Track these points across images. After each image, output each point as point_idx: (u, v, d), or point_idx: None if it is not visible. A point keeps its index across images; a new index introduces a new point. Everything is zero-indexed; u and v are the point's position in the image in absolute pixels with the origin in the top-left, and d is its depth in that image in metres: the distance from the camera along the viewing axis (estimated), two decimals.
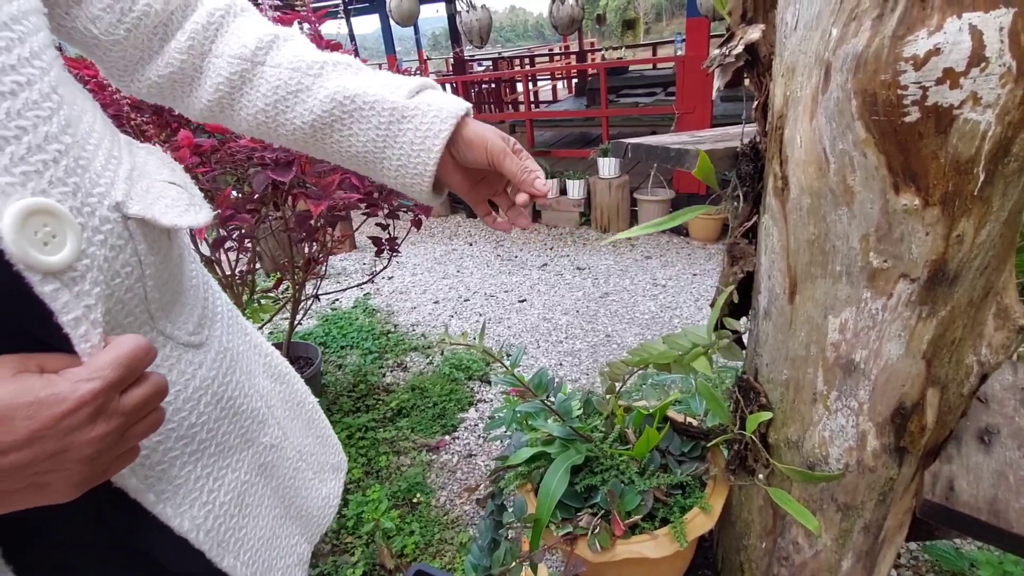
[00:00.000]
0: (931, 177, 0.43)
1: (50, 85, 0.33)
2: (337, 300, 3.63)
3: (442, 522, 1.86)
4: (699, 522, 0.70)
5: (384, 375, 2.72)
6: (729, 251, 0.65)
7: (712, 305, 0.72)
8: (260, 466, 0.52)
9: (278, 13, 1.66)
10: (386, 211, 1.99)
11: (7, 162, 0.30)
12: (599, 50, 9.54)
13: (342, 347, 2.97)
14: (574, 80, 8.76)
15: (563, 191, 4.76)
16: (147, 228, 0.39)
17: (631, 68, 7.20)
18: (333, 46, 1.86)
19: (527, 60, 8.57)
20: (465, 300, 3.51)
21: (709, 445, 0.73)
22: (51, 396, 0.28)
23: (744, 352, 0.71)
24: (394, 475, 2.03)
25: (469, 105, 0.48)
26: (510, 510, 0.79)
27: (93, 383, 0.30)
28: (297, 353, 2.37)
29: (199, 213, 0.44)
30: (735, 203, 0.64)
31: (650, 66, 8.16)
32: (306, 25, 1.86)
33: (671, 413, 0.86)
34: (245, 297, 1.83)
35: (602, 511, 0.74)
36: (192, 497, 0.44)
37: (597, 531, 0.70)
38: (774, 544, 0.70)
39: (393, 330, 3.18)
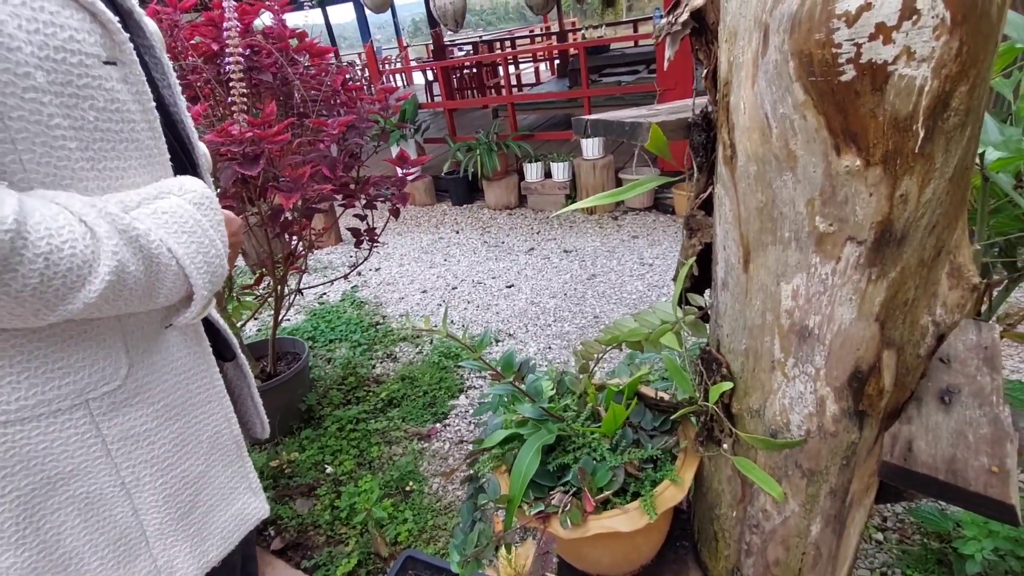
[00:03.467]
0: (871, 136, 0.43)
1: None
2: (324, 294, 3.62)
3: (435, 509, 1.87)
4: (669, 494, 0.71)
5: (374, 366, 2.72)
6: (687, 223, 0.65)
7: (675, 279, 0.72)
8: None
9: (239, 2, 1.62)
10: (363, 201, 1.98)
11: None
12: (579, 29, 9.43)
13: (331, 341, 2.96)
14: (556, 61, 8.67)
15: (548, 174, 4.73)
16: None
17: (612, 46, 7.12)
18: (299, 35, 1.82)
19: (508, 43, 8.47)
20: (453, 288, 3.50)
21: (674, 418, 0.73)
22: (236, 220, 0.72)
23: (707, 326, 0.71)
24: (386, 465, 2.04)
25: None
26: (487, 492, 0.79)
27: (238, 221, 0.73)
28: (284, 349, 2.36)
29: None
30: (690, 174, 0.63)
31: (632, 44, 8.08)
32: (270, 15, 1.83)
33: (643, 388, 0.86)
34: (225, 293, 1.81)
35: (574, 488, 0.74)
36: None
37: (568, 508, 0.70)
38: (744, 513, 0.71)
39: (382, 321, 3.17)
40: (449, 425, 2.27)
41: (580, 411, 0.83)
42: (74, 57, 0.52)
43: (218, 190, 1.61)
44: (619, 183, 4.58)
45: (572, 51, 7.12)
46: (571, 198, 4.76)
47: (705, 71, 0.58)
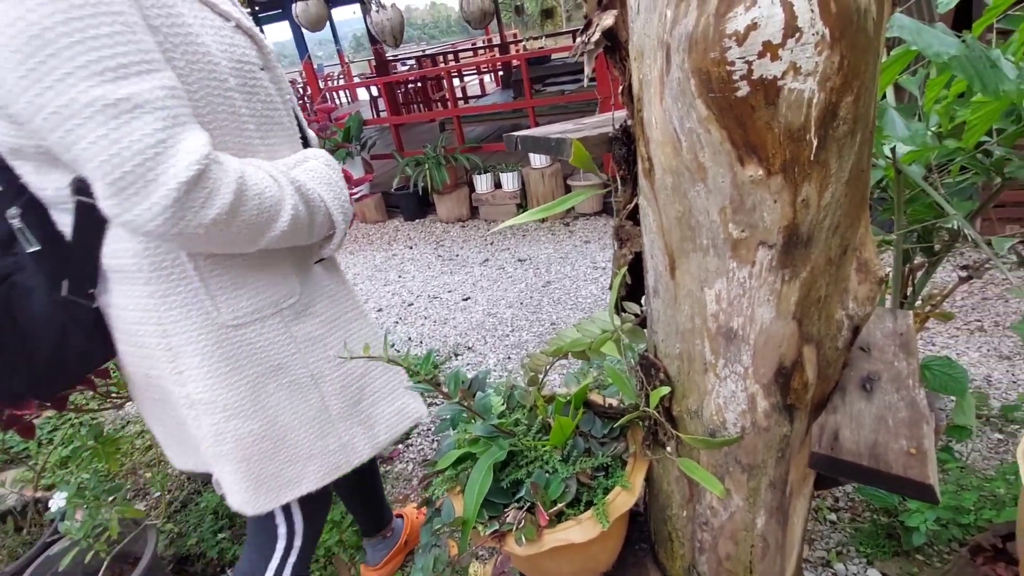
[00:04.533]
0: (769, 147, 0.45)
1: None
2: None
3: None
4: (621, 500, 0.72)
5: None
6: (616, 234, 0.67)
7: (611, 288, 0.73)
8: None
9: None
10: None
11: None
12: (521, 41, 9.56)
13: None
14: (501, 73, 8.75)
15: (498, 184, 4.75)
16: None
17: (554, 57, 7.25)
18: None
19: (451, 56, 8.50)
20: (409, 305, 3.47)
21: (618, 424, 0.74)
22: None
23: (645, 331, 0.73)
24: None
25: None
26: (441, 516, 0.78)
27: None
28: None
29: None
30: (616, 186, 0.65)
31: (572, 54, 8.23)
32: None
33: (593, 396, 0.87)
34: None
35: (528, 503, 0.74)
36: None
37: (523, 525, 0.70)
38: (694, 511, 0.73)
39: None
40: (412, 445, 2.23)
41: (531, 424, 0.83)
42: (247, 66, 0.78)
43: None
44: (568, 189, 4.65)
45: (515, 63, 7.21)
46: (522, 207, 4.80)
47: (621, 87, 0.60)
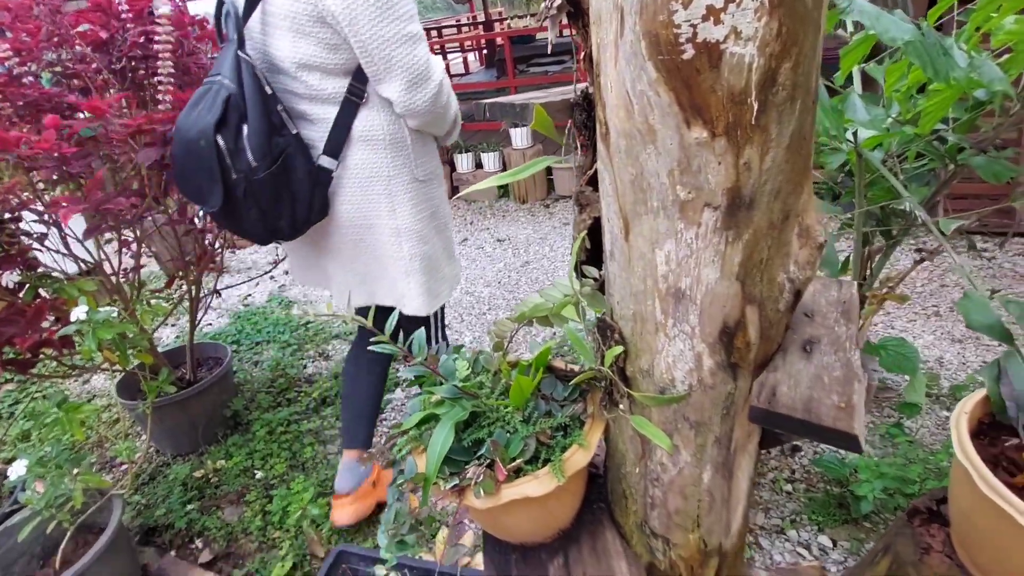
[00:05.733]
0: (713, 110, 0.47)
1: None
2: (249, 295, 3.48)
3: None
4: (577, 458, 0.75)
5: (305, 366, 2.66)
6: (577, 200, 0.69)
7: (572, 254, 0.76)
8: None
9: None
10: None
11: None
12: (506, 19, 9.44)
13: (256, 343, 2.87)
14: (485, 52, 8.64)
15: (479, 164, 4.74)
16: None
17: (539, 36, 7.18)
18: (200, 23, 1.74)
19: (435, 32, 8.36)
20: None
21: (572, 383, 0.77)
22: None
23: (604, 296, 0.75)
24: (320, 464, 2.01)
25: None
26: (404, 473, 0.80)
27: None
28: (205, 354, 2.26)
29: None
30: (575, 151, 0.67)
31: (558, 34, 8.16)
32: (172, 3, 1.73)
33: (555, 362, 0.90)
34: (133, 297, 1.71)
35: (488, 461, 0.77)
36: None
37: (481, 479, 0.73)
38: (646, 468, 0.76)
39: (312, 320, 3.09)
40: (385, 419, 2.25)
41: (495, 388, 0.85)
42: None
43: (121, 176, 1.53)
44: (549, 171, 4.66)
45: (499, 41, 7.13)
46: (503, 187, 4.79)
47: (582, 53, 0.62)
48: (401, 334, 1.34)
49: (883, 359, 1.80)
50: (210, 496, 1.87)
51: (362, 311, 1.51)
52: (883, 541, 1.13)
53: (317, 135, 1.28)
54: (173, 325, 3.18)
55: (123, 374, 2.03)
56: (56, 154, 1.27)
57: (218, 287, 2.11)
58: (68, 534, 1.48)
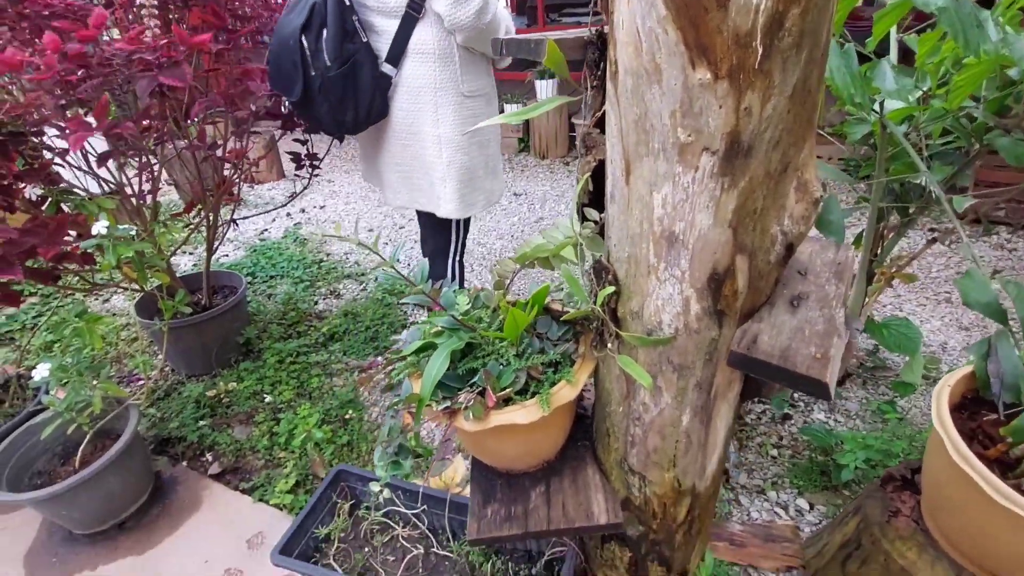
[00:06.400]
0: (718, 51, 0.48)
1: None
2: (266, 230, 3.53)
3: (373, 435, 1.94)
4: (564, 392, 0.79)
5: (316, 303, 2.72)
6: (583, 141, 0.70)
7: (575, 195, 0.77)
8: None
9: None
10: (303, 127, 1.92)
11: None
12: None
13: (271, 277, 2.93)
14: None
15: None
16: None
17: None
18: None
19: None
20: (400, 228, 3.49)
21: (564, 319, 0.80)
22: None
23: (604, 240, 0.77)
24: (326, 395, 2.09)
25: None
26: (400, 394, 0.85)
27: None
28: (220, 282, 2.33)
29: None
30: (585, 92, 0.67)
31: None
32: None
33: (552, 304, 0.93)
34: (150, 222, 1.76)
35: (480, 389, 0.81)
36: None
37: (472, 404, 0.77)
38: (629, 408, 0.80)
39: (326, 259, 3.15)
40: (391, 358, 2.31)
41: (492, 323, 0.89)
42: None
43: (139, 103, 1.54)
44: (571, 127, 4.58)
45: None
46: (523, 141, 4.73)
47: None
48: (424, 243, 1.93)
49: (885, 338, 1.80)
50: (221, 415, 1.97)
51: (418, 213, 1.88)
52: (854, 503, 1.17)
53: (382, 45, 1.50)
54: (191, 254, 3.26)
55: (142, 294, 2.11)
56: (58, 79, 1.28)
57: (235, 218, 2.15)
58: (87, 437, 1.58)
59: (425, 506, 1.26)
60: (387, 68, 1.50)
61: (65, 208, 1.50)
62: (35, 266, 1.46)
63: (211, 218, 1.96)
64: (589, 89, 0.67)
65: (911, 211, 1.55)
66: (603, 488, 0.90)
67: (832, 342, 0.62)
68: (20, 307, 2.61)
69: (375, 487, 1.05)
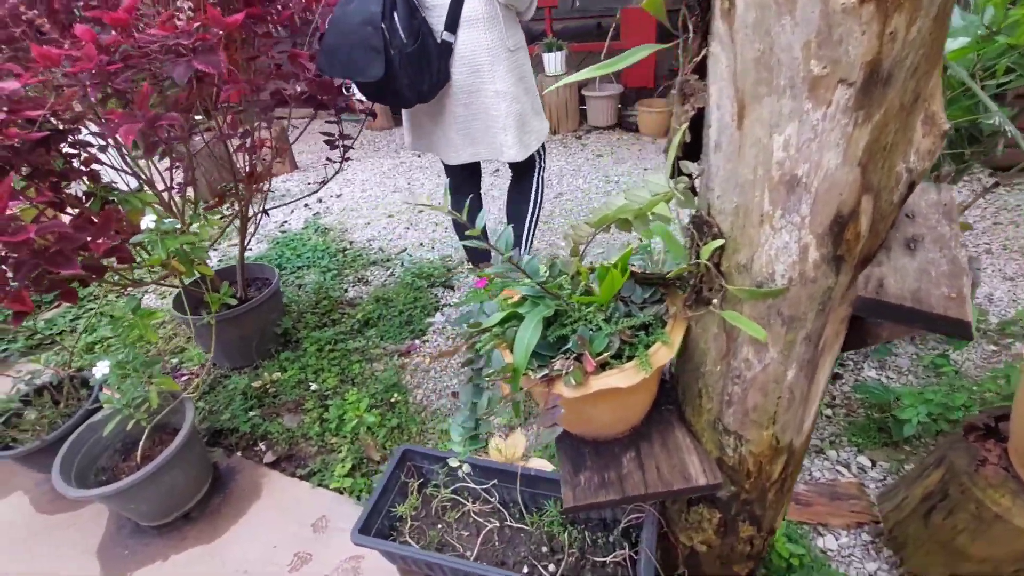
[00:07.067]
0: None
1: None
2: (286, 222, 3.51)
3: (421, 416, 1.94)
4: (662, 353, 0.77)
5: (346, 290, 2.72)
6: (680, 89, 0.67)
7: (666, 151, 0.74)
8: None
9: None
10: (332, 111, 1.89)
11: None
12: None
13: (298, 267, 2.92)
14: None
15: None
16: None
17: None
18: None
19: None
20: (419, 212, 3.46)
21: (671, 275, 0.78)
22: None
23: (695, 198, 0.75)
24: (369, 380, 2.09)
25: None
26: (491, 365, 0.84)
27: None
28: (252, 275, 2.32)
29: None
30: (685, 36, 0.64)
31: None
32: None
33: (632, 267, 0.91)
34: (189, 213, 1.75)
35: (574, 355, 0.79)
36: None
37: (572, 369, 0.76)
38: (728, 366, 0.78)
39: (349, 247, 3.13)
40: (428, 341, 2.32)
41: (574, 290, 0.87)
42: None
43: (174, 90, 1.51)
44: (582, 100, 4.51)
45: None
46: None
47: None
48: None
49: None
50: (269, 405, 1.97)
51: (460, 169, 2.09)
52: (934, 455, 1.16)
53: (435, 18, 1.71)
54: (215, 250, 3.25)
55: (177, 291, 2.11)
56: (96, 71, 1.25)
57: (266, 208, 2.13)
58: (146, 432, 1.59)
59: (496, 480, 1.26)
60: (447, 36, 1.70)
61: (108, 204, 1.48)
62: (86, 261, 1.45)
63: (244, 209, 1.95)
64: (690, 32, 0.64)
65: (966, 157, 1.51)
66: (696, 450, 0.88)
67: (962, 282, 0.60)
68: (61, 308, 2.62)
69: (453, 462, 1.04)
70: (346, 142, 1.95)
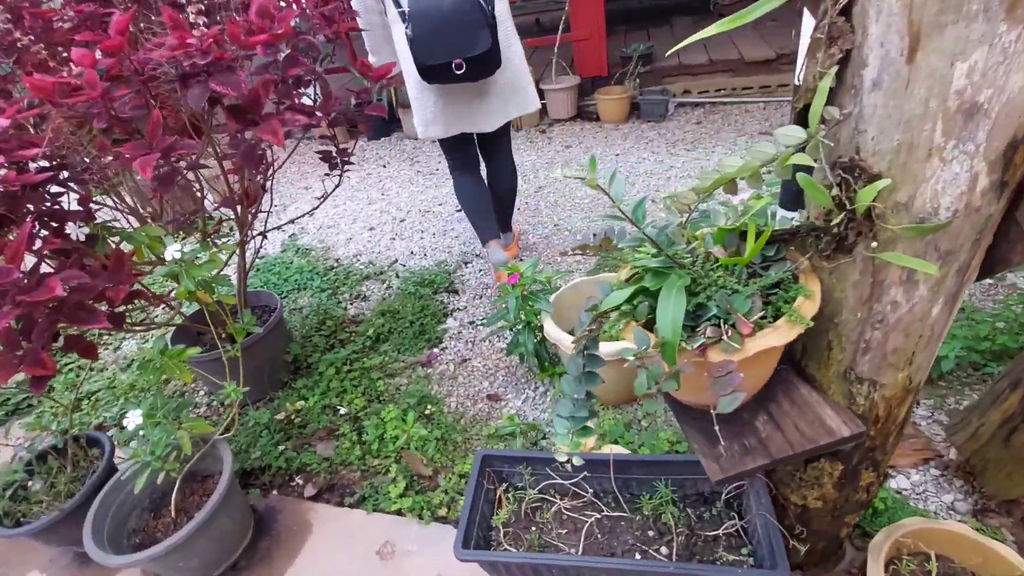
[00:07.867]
0: None
1: None
2: (261, 248, 3.33)
3: (461, 424, 1.88)
4: (808, 306, 0.76)
5: (346, 309, 2.60)
6: (828, 32, 0.66)
7: (795, 100, 0.74)
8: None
9: None
10: (327, 122, 1.79)
11: None
12: None
13: (288, 291, 2.77)
14: None
15: None
16: None
17: None
18: None
19: None
20: (401, 221, 3.37)
21: (835, 222, 0.75)
22: None
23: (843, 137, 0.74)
24: (396, 396, 2.00)
25: None
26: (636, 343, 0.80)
27: None
28: (254, 303, 2.18)
29: None
30: None
31: None
32: None
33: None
34: (202, 241, 1.61)
35: (718, 320, 0.77)
36: None
37: (729, 335, 0.74)
38: (869, 312, 0.78)
39: (336, 264, 3.00)
40: (447, 348, 2.25)
41: (694, 258, 0.85)
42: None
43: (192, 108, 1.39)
44: (541, 95, 4.51)
45: None
46: None
47: None
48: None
49: None
50: (298, 436, 1.85)
51: (464, 147, 2.29)
52: (1008, 379, 1.21)
53: None
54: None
55: (173, 329, 1.95)
56: (99, 99, 1.12)
57: (264, 231, 2.00)
58: (177, 482, 1.45)
59: (587, 472, 1.23)
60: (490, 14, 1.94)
61: (112, 244, 1.35)
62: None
63: (244, 233, 1.82)
64: None
65: None
66: (827, 403, 0.88)
67: None
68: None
69: (561, 457, 1.00)
70: (344, 155, 1.85)
